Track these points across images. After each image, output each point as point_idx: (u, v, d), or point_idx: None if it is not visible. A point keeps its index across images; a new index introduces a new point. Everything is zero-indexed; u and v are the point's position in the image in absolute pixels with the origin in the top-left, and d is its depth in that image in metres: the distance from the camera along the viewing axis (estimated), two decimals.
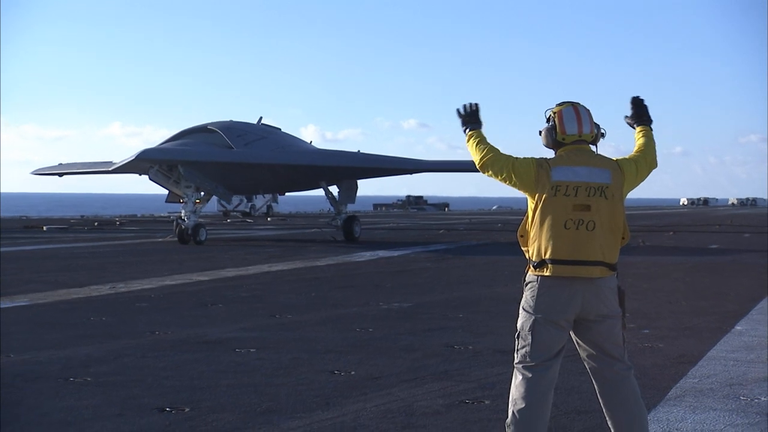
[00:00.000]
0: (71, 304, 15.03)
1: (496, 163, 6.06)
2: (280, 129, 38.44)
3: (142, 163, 31.97)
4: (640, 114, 6.38)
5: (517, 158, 6.02)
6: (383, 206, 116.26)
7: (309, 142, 40.51)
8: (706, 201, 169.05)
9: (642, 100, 6.42)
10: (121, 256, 25.94)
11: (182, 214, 32.13)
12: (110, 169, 35.28)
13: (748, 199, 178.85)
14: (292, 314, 13.74)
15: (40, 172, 44.18)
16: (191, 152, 32.50)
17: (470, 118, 6.29)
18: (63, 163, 43.25)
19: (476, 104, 6.33)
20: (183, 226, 31.72)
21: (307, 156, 36.95)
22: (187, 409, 7.72)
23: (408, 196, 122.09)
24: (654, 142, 6.27)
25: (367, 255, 26.86)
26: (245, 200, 67.00)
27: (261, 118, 38.06)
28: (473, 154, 6.18)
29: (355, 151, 39.61)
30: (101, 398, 8.14)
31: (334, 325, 12.58)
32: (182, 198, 32.52)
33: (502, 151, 6.11)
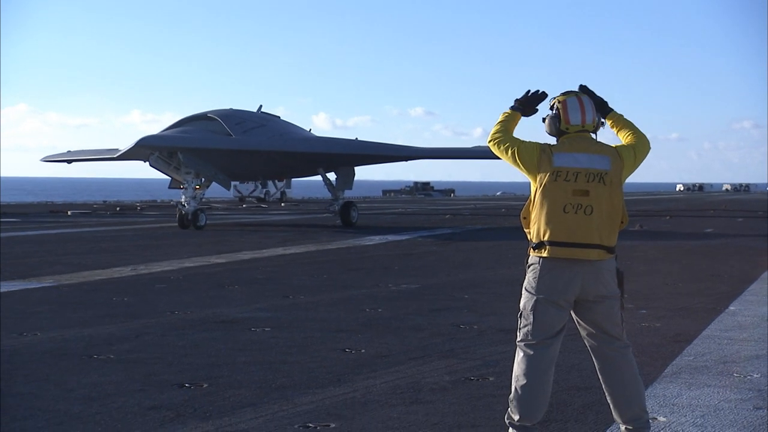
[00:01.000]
0: (95, 285, 15.07)
1: (503, 142, 6.07)
2: (279, 117, 37.98)
3: (143, 150, 31.53)
4: (597, 103, 6.14)
5: (523, 141, 6.03)
6: (392, 192, 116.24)
7: (308, 129, 39.90)
8: (701, 187, 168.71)
9: (587, 87, 6.17)
10: (141, 240, 26.01)
11: (182, 200, 31.63)
12: (115, 156, 34.94)
13: (741, 185, 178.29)
14: (305, 295, 13.76)
15: (50, 159, 43.78)
16: (190, 139, 32.01)
17: (527, 100, 6.25)
18: (72, 150, 42.91)
19: (545, 95, 6.25)
20: (183, 212, 31.19)
21: (304, 143, 36.44)
22: (205, 385, 7.75)
23: (415, 183, 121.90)
24: (634, 124, 6.20)
25: (376, 239, 26.87)
26: (260, 186, 67.06)
27: (261, 106, 37.53)
28: (492, 129, 6.19)
29: (354, 138, 39.20)
30: (123, 374, 8.17)
31: (345, 306, 12.60)
32: (182, 184, 32.08)
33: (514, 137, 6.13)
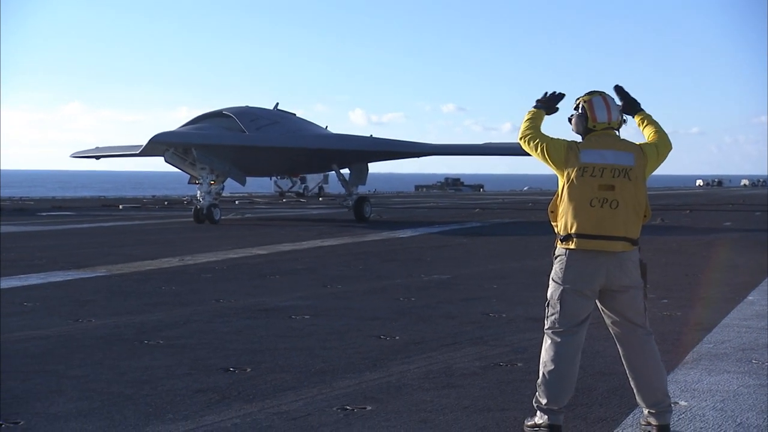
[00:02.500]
0: (144, 274, 15.19)
1: (533, 139, 6.08)
2: (294, 114, 37.03)
3: (158, 146, 30.72)
4: (629, 101, 6.26)
5: (551, 138, 6.04)
6: (424, 187, 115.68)
7: (324, 127, 38.84)
8: (720, 182, 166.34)
9: (622, 87, 6.31)
10: (188, 232, 26.17)
11: (198, 195, 30.95)
12: (137, 152, 34.05)
13: (759, 180, 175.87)
14: (342, 285, 13.79)
15: (79, 155, 43.23)
16: (202, 135, 31.21)
17: (548, 101, 6.29)
18: (99, 146, 42.40)
19: (562, 95, 6.32)
20: (198, 206, 30.55)
21: (316, 140, 35.51)
22: (248, 370, 7.79)
23: (446, 178, 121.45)
24: (659, 124, 6.23)
25: (409, 232, 26.87)
26: (299, 182, 67.16)
27: (277, 103, 36.70)
28: (521, 127, 6.21)
29: (368, 135, 38.42)
30: (172, 359, 8.24)
31: (380, 295, 12.62)
32: (198, 179, 31.22)
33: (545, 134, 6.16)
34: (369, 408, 6.52)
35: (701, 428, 6.03)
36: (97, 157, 42.27)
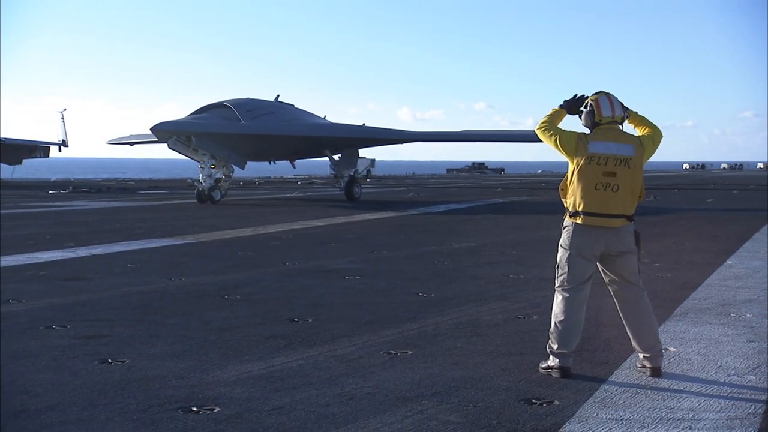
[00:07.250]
0: (224, 242, 15.32)
1: (548, 130, 6.04)
2: (293, 105, 35.03)
3: (160, 134, 28.79)
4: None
5: (564, 130, 6.01)
6: (454, 170, 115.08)
7: (323, 117, 36.63)
8: (703, 166, 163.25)
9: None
10: (258, 208, 26.33)
11: (200, 178, 28.80)
12: (157, 139, 31.46)
13: (736, 164, 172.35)
14: (387, 251, 13.80)
15: (115, 142, 41.60)
16: (198, 124, 28.96)
17: (574, 102, 6.12)
18: (133, 134, 40.82)
19: (584, 97, 6.09)
20: (200, 188, 28.57)
21: (306, 128, 33.48)
22: (310, 320, 7.84)
23: (473, 163, 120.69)
24: (647, 118, 6.13)
25: (441, 207, 26.80)
26: None
27: (278, 95, 34.88)
28: (541, 119, 6.15)
29: (361, 124, 36.63)
30: (248, 311, 8.31)
31: (418, 260, 12.62)
32: (200, 164, 29.23)
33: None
34: (410, 352, 6.54)
35: (687, 370, 5.98)
36: (132, 144, 40.61)
